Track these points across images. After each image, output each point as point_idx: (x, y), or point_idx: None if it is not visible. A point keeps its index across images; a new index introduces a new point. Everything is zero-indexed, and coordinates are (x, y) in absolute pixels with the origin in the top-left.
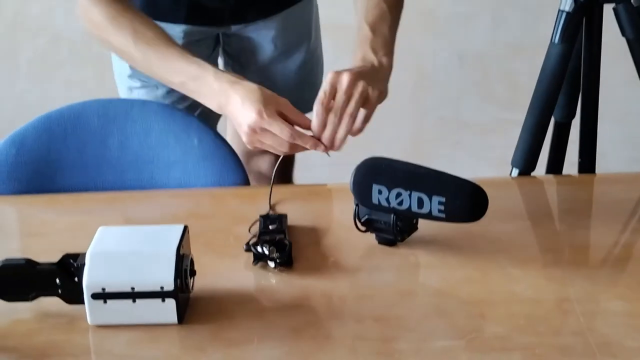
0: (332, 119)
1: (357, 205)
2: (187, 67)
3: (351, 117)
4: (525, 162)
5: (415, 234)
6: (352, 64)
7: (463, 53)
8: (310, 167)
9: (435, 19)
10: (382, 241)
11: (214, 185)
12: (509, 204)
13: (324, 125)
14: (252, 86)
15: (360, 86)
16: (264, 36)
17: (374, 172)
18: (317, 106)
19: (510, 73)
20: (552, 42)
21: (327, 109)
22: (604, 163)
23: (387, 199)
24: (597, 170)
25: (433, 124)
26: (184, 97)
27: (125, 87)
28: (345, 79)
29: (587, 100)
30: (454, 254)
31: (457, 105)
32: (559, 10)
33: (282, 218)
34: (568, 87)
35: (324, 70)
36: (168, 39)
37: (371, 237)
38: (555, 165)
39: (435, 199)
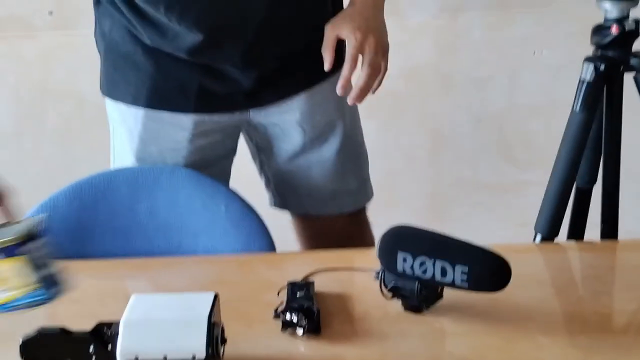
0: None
1: (383, 271)
2: None
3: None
4: (549, 228)
5: (441, 301)
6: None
7: (480, 115)
8: None
9: (452, 83)
10: (408, 308)
11: (241, 252)
12: (533, 271)
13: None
14: None
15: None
16: (288, 120)
17: (399, 240)
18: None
19: (528, 134)
20: (573, 111)
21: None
22: (627, 221)
23: (412, 267)
24: (619, 229)
25: (451, 185)
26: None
27: None
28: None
29: (609, 166)
30: (480, 322)
31: (475, 167)
32: (580, 80)
33: (309, 285)
34: (589, 153)
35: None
36: None
37: (397, 303)
38: (577, 231)
39: (459, 268)
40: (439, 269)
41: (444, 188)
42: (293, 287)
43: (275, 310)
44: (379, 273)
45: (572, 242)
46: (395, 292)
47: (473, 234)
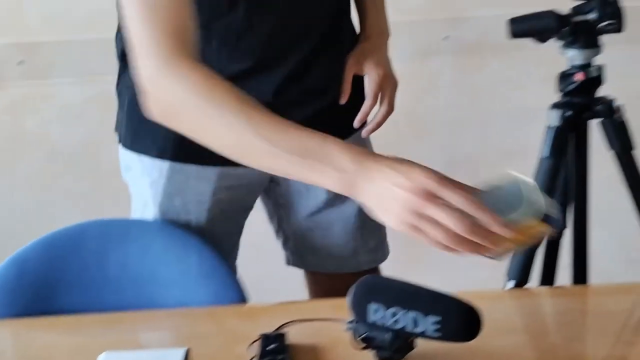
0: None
1: (355, 322)
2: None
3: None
4: (521, 274)
5: (414, 351)
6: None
7: (453, 158)
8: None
9: (425, 127)
10: (381, 359)
11: (213, 304)
12: (504, 318)
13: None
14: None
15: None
16: None
17: (370, 291)
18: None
19: None
20: (541, 156)
21: None
22: (596, 264)
23: (383, 318)
24: (590, 272)
25: None
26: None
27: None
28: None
29: (577, 211)
30: None
31: None
32: (548, 126)
33: (282, 337)
34: (559, 198)
35: None
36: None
37: (370, 354)
38: (548, 275)
39: (430, 318)
40: (411, 319)
41: None
42: (265, 339)
43: None
44: (351, 324)
45: (543, 288)
46: (368, 342)
47: (447, 277)
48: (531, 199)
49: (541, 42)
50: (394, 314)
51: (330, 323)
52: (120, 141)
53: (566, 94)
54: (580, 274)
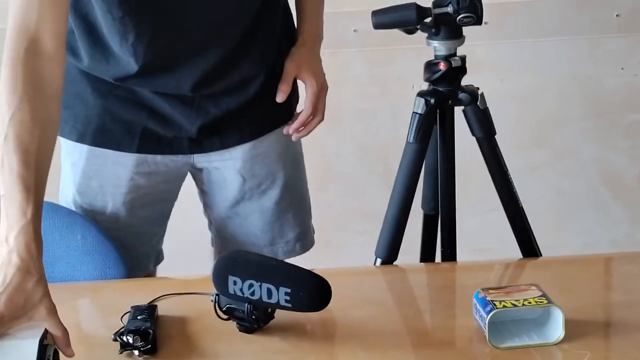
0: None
1: (217, 295)
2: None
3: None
4: (388, 252)
5: (274, 321)
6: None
7: (365, 146)
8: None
9: (338, 116)
10: (242, 329)
11: (96, 279)
12: (368, 292)
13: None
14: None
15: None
16: (229, 167)
17: (230, 264)
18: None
19: None
20: (407, 141)
21: None
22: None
23: (242, 290)
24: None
25: (339, 215)
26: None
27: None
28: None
29: (445, 193)
30: (308, 340)
31: (361, 196)
32: (413, 112)
33: (152, 308)
34: (431, 182)
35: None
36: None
37: (233, 325)
38: (428, 254)
39: (282, 290)
40: (265, 291)
41: (331, 218)
42: (136, 311)
43: (115, 333)
44: (214, 296)
45: (414, 264)
46: (230, 313)
47: (360, 260)
48: None
49: (408, 34)
50: (250, 286)
51: (199, 297)
52: None
53: (431, 82)
54: (449, 255)
